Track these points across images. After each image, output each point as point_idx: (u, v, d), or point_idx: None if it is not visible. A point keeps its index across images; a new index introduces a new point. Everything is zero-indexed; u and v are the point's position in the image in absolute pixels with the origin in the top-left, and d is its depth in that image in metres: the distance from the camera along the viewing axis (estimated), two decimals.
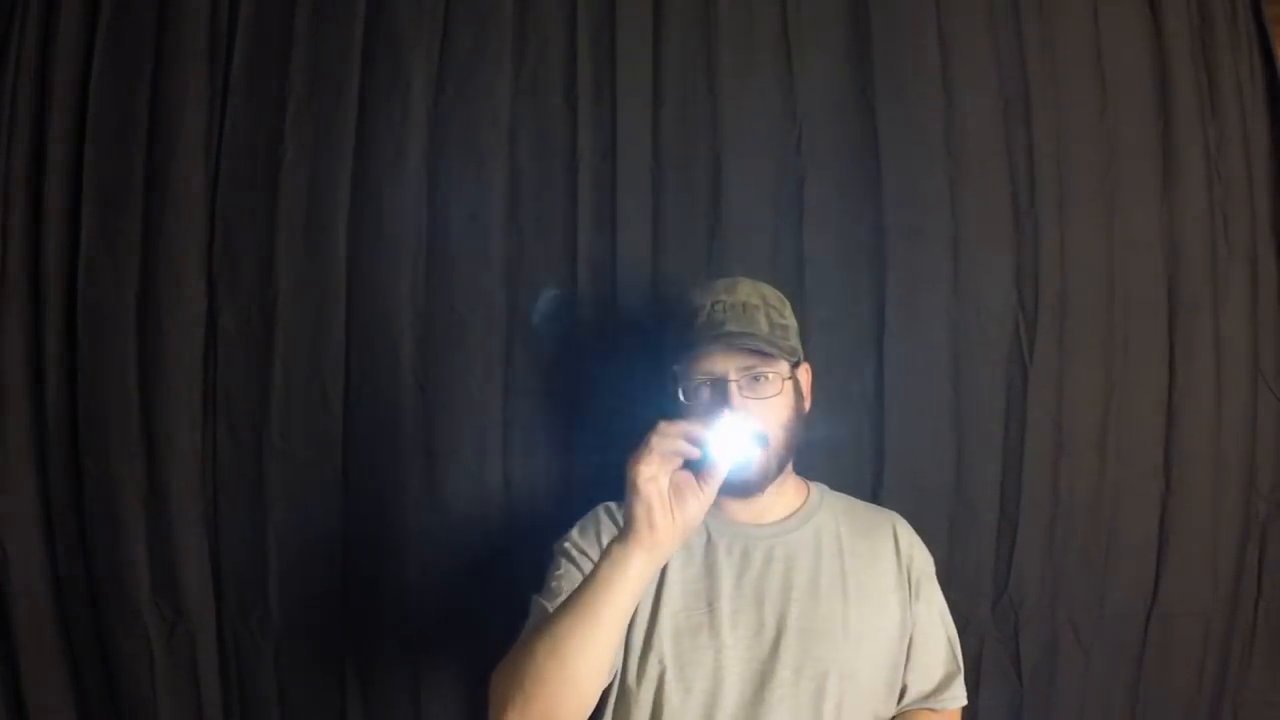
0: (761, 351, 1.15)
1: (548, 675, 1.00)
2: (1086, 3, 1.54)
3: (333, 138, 1.49)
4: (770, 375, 1.16)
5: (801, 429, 1.22)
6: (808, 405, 1.24)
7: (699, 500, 1.00)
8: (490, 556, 1.44)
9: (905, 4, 1.51)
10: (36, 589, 1.49)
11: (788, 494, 1.24)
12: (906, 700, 1.20)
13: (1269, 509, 1.56)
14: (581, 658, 1.00)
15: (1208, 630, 1.51)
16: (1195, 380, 1.51)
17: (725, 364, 1.15)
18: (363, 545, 1.48)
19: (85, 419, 1.48)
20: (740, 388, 1.15)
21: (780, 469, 1.19)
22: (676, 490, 1.00)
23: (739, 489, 1.15)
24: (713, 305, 1.19)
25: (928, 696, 1.21)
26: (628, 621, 1.06)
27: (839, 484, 1.38)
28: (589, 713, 1.04)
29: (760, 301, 1.21)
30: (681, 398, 1.18)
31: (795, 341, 1.22)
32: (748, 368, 1.15)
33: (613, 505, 1.25)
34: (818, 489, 1.28)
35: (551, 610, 1.07)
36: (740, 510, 1.21)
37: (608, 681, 1.09)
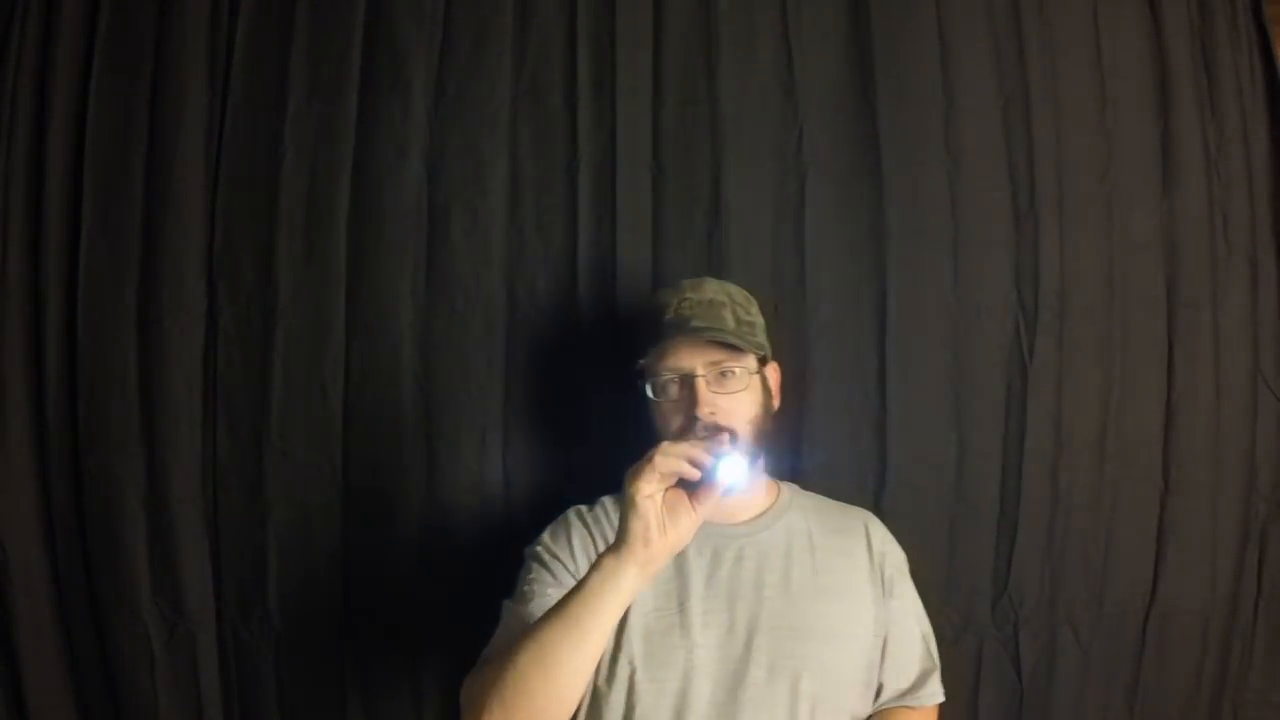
0: (728, 345, 1.16)
1: (532, 684, 1.00)
2: (1086, 3, 1.55)
3: (333, 138, 1.49)
4: (737, 370, 1.18)
5: (771, 427, 1.23)
6: (776, 404, 1.26)
7: (691, 519, 1.02)
8: (490, 556, 1.43)
9: (905, 4, 1.51)
10: (36, 589, 1.49)
11: (758, 494, 1.25)
12: (883, 699, 1.20)
13: (1269, 509, 1.55)
14: (567, 668, 1.00)
15: (1207, 630, 1.51)
16: (1195, 380, 1.51)
17: (692, 359, 1.17)
18: (363, 545, 1.48)
19: (85, 419, 1.48)
20: (708, 383, 1.16)
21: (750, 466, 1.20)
22: (669, 507, 1.02)
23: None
24: (679, 303, 1.21)
25: (904, 694, 1.21)
26: (613, 633, 1.06)
27: (840, 484, 1.39)
28: None
29: (726, 299, 1.23)
30: (649, 394, 1.19)
31: (763, 338, 1.24)
32: (714, 363, 1.17)
33: (583, 508, 1.26)
34: (788, 488, 1.29)
35: (526, 615, 1.09)
36: (711, 511, 1.21)
37: (585, 691, 1.09)
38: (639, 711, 1.11)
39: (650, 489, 1.00)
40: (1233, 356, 1.53)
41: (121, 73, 1.51)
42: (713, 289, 1.24)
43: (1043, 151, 1.51)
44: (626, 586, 1.01)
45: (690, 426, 1.16)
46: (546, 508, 1.32)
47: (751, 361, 1.20)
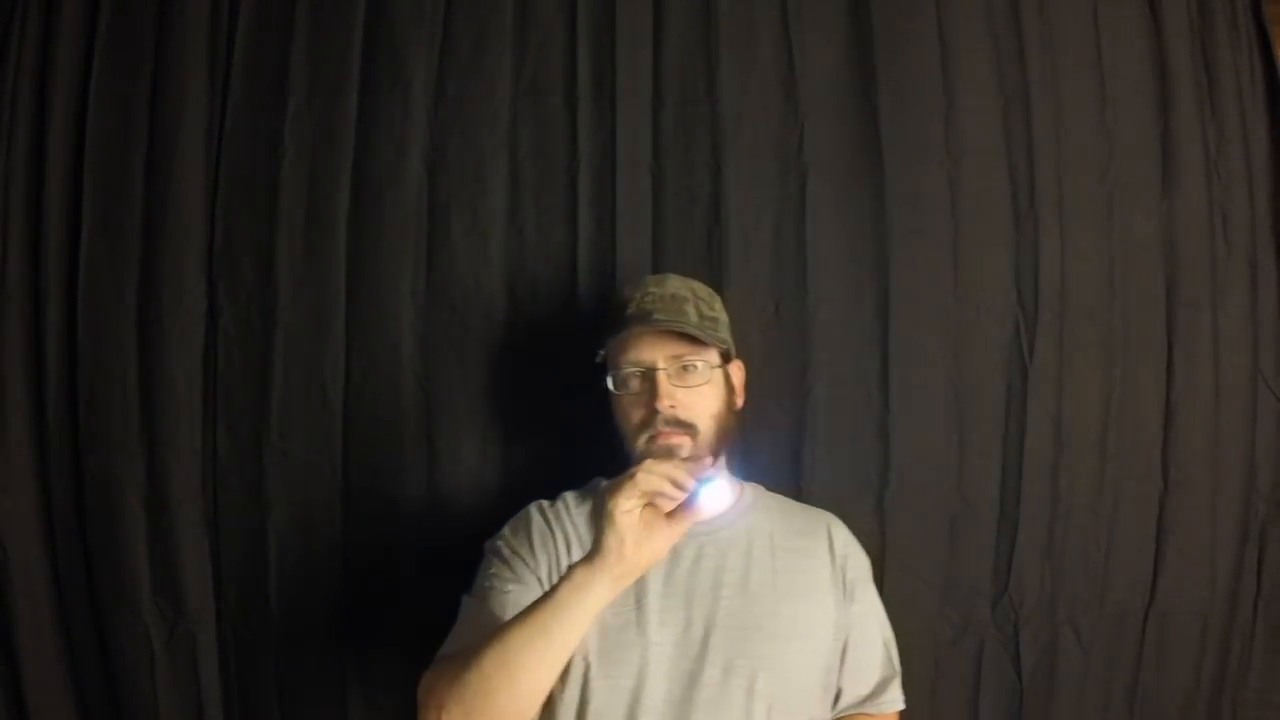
0: (690, 338, 1.17)
1: (494, 688, 1.00)
2: (1086, 3, 1.55)
3: (333, 138, 1.49)
4: (699, 365, 1.18)
5: (734, 425, 1.23)
6: (740, 402, 1.26)
7: (666, 537, 1.02)
8: None
9: (905, 4, 1.51)
10: (36, 589, 1.49)
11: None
12: (842, 704, 1.20)
13: (1268, 509, 1.56)
14: (531, 674, 1.01)
15: (1206, 629, 1.51)
16: (1195, 380, 1.51)
17: (653, 353, 1.18)
18: (363, 545, 1.48)
19: (85, 419, 1.48)
20: (669, 376, 1.17)
21: (712, 461, 1.20)
22: (646, 523, 1.01)
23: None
24: (642, 296, 1.22)
25: (864, 700, 1.20)
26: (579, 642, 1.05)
27: (842, 484, 1.38)
28: None
29: (689, 294, 1.24)
30: (611, 387, 1.20)
31: (725, 334, 1.25)
32: (676, 356, 1.18)
33: (544, 503, 1.26)
34: (751, 488, 1.29)
35: (483, 611, 1.10)
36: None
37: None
38: (592, 708, 1.10)
39: (629, 505, 1.00)
40: (1233, 356, 1.53)
41: (121, 73, 1.51)
42: (675, 284, 1.26)
43: (1043, 151, 1.51)
44: (596, 598, 1.01)
45: (651, 420, 1.17)
46: None
47: (714, 356, 1.20)
